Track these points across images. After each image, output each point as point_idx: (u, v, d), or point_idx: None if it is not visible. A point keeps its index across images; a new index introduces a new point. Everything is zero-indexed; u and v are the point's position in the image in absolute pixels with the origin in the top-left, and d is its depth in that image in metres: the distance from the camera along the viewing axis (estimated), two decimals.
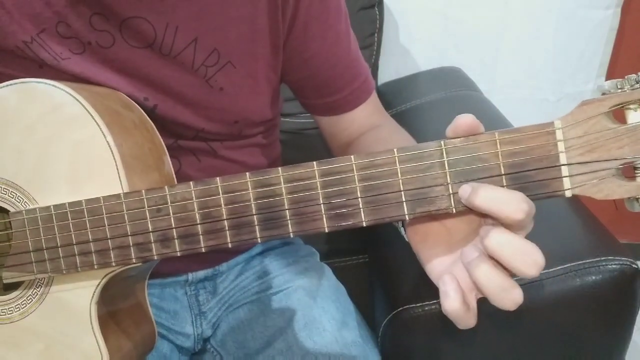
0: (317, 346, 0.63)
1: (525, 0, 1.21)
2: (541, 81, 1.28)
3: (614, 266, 0.59)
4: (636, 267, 0.60)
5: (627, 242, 1.41)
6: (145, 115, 0.54)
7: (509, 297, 0.36)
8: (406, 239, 0.46)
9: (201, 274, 0.71)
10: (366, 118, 0.68)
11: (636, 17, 1.25)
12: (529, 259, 0.35)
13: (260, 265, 0.74)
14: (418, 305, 0.63)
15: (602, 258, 0.60)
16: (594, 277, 0.59)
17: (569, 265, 0.60)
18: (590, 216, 0.71)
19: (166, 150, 0.53)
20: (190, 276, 0.70)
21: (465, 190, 0.37)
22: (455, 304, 0.38)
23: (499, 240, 0.36)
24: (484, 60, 1.27)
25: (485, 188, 0.36)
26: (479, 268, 0.37)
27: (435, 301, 0.62)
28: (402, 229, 0.47)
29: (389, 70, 1.25)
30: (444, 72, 1.22)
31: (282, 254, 0.75)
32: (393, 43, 1.24)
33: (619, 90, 0.35)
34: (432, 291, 0.62)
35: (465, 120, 0.37)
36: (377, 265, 0.83)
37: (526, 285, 0.59)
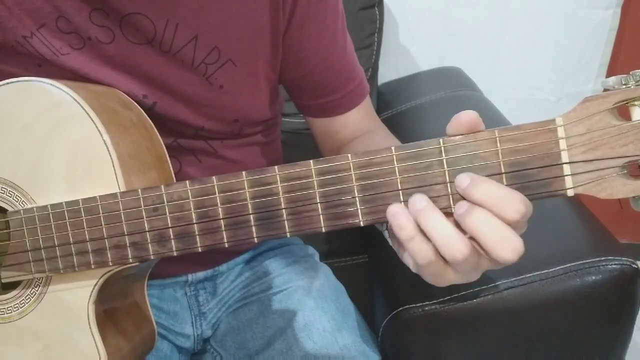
0: (317, 346, 0.63)
1: (525, 0, 1.21)
2: (541, 81, 1.29)
3: (614, 266, 0.59)
4: (636, 267, 0.60)
5: (627, 242, 1.41)
6: (144, 113, 0.54)
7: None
8: (390, 243, 0.46)
9: (201, 274, 0.71)
10: (359, 122, 0.68)
11: (636, 17, 1.25)
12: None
13: (260, 266, 0.73)
14: (418, 305, 0.62)
15: (602, 258, 0.60)
16: (594, 277, 0.59)
17: (569, 265, 0.60)
18: (590, 216, 0.70)
19: (165, 149, 0.53)
20: (190, 277, 0.70)
21: (463, 180, 0.37)
22: (408, 232, 0.37)
23: (480, 221, 0.35)
24: (484, 60, 1.27)
25: (487, 182, 0.36)
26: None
27: (435, 301, 0.62)
28: (385, 232, 0.46)
29: (389, 70, 1.25)
30: (444, 72, 1.22)
31: (282, 254, 0.75)
32: (393, 43, 1.24)
33: (624, 86, 0.35)
34: (432, 291, 0.62)
35: (468, 117, 0.37)
36: (377, 265, 0.83)
37: (526, 285, 0.59)
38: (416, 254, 0.37)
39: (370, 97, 1.09)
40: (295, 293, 0.69)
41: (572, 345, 0.63)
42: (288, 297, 0.69)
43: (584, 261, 0.60)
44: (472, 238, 0.37)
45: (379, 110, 1.14)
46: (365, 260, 0.98)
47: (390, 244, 0.45)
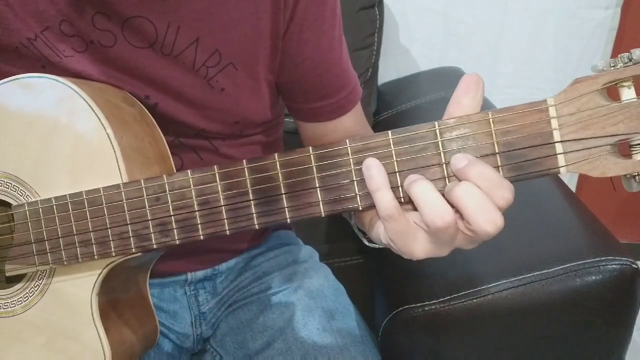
0: (317, 346, 0.63)
1: (525, 0, 1.22)
2: (541, 81, 1.29)
3: (614, 266, 0.59)
4: (636, 267, 0.60)
5: (627, 242, 1.40)
6: (146, 110, 0.54)
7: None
8: (366, 243, 0.46)
9: (200, 273, 0.71)
10: (348, 128, 0.68)
11: (636, 17, 1.25)
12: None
13: (259, 266, 0.73)
14: (418, 305, 0.63)
15: (602, 258, 0.60)
16: (594, 277, 0.59)
17: (569, 265, 0.60)
18: (590, 216, 0.70)
19: (167, 146, 0.54)
20: (190, 276, 0.70)
21: (460, 160, 0.37)
22: (377, 181, 0.38)
23: (466, 190, 0.36)
24: (484, 60, 1.27)
25: (484, 165, 0.37)
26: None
27: (435, 301, 0.62)
28: (355, 228, 0.47)
29: (389, 70, 1.26)
30: (444, 72, 1.22)
31: (281, 254, 0.75)
32: (393, 43, 1.25)
33: (612, 68, 0.35)
34: (432, 291, 0.63)
35: (472, 76, 0.38)
36: (377, 265, 0.83)
37: (526, 285, 0.60)
38: (380, 204, 0.38)
39: (370, 97, 1.10)
40: (295, 293, 0.69)
41: (572, 345, 0.63)
42: (288, 297, 0.69)
43: (584, 261, 0.60)
44: (456, 211, 0.37)
45: (378, 110, 1.14)
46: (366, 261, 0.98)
47: (367, 244, 0.46)
